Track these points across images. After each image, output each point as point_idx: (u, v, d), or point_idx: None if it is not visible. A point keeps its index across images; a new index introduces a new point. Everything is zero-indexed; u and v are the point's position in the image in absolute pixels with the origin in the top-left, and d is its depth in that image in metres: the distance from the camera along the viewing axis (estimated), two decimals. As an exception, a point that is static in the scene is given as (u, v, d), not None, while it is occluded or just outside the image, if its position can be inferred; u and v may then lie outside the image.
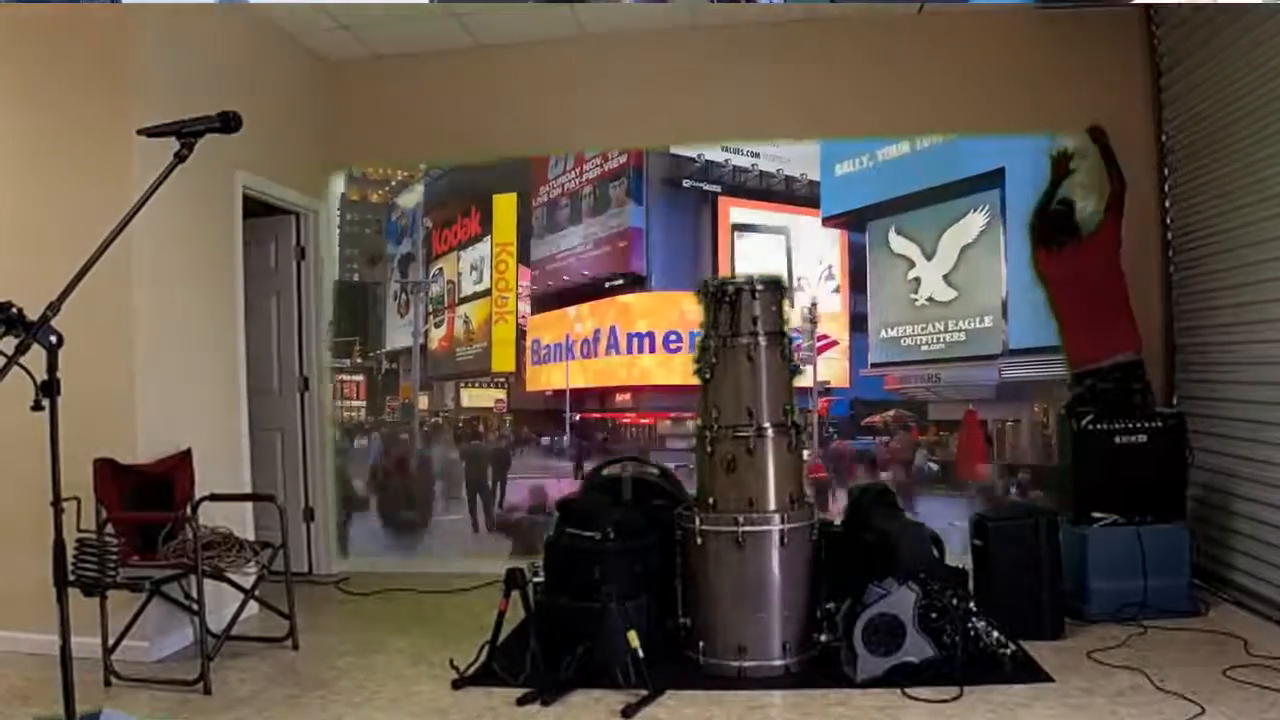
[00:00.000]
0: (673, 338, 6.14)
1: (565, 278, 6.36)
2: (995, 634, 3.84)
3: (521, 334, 6.41)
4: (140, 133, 2.70)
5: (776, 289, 4.25)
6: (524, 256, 6.41)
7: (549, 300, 6.39)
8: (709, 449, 4.11)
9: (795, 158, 6.04)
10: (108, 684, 3.93)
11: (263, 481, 5.66)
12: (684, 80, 6.00)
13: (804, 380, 5.71)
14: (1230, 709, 3.30)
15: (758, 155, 6.11)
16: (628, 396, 6.27)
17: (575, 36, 6.03)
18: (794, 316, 5.76)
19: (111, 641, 4.00)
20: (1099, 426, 4.72)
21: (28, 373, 2.35)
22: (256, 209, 5.65)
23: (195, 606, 4.06)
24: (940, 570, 4.13)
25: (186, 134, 2.60)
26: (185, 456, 4.52)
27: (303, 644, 4.53)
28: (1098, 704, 3.44)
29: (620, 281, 6.25)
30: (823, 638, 3.98)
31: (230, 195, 5.22)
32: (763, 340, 4.10)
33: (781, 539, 3.96)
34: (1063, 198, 5.35)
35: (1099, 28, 5.60)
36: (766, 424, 4.06)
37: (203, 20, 4.98)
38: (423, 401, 6.51)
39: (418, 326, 6.56)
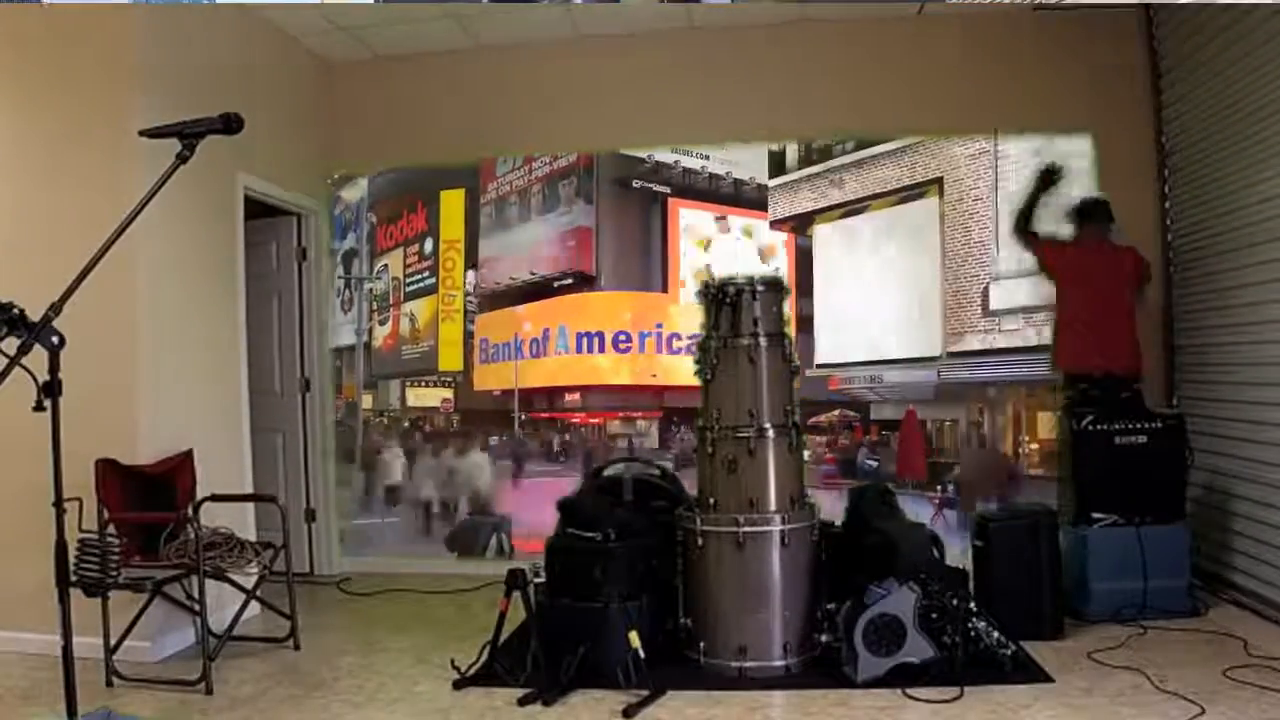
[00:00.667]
0: (622, 338, 6.15)
1: (514, 276, 6.34)
2: (995, 634, 3.85)
3: (469, 333, 6.40)
4: (142, 134, 2.71)
5: (777, 290, 4.25)
6: (472, 254, 6.39)
7: (497, 299, 6.38)
8: (710, 449, 4.11)
9: (744, 161, 6.08)
10: (109, 684, 3.93)
11: (264, 482, 5.66)
12: (687, 81, 6.00)
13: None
14: (1230, 709, 3.30)
15: (707, 157, 6.13)
16: (576, 396, 6.28)
17: (576, 38, 6.03)
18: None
19: (113, 642, 4.01)
20: (1099, 427, 4.72)
21: (30, 374, 2.35)
22: (258, 210, 5.65)
23: (197, 607, 4.06)
24: (940, 571, 4.14)
25: (188, 135, 2.61)
26: (187, 457, 4.53)
27: (304, 644, 4.54)
28: (1098, 704, 3.44)
29: (569, 281, 6.25)
30: (823, 638, 3.99)
31: (231, 196, 5.22)
32: (763, 341, 4.11)
33: (782, 539, 3.96)
34: (1099, 199, 5.20)
35: (1099, 29, 5.61)
36: (767, 424, 4.07)
37: (204, 22, 4.99)
38: (366, 400, 6.48)
39: (361, 324, 6.51)
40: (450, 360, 6.42)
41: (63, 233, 4.19)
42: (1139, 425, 4.71)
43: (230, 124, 2.66)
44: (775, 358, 4.14)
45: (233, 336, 5.24)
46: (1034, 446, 5.72)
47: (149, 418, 4.47)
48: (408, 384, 6.49)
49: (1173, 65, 5.40)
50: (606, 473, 4.82)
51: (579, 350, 6.19)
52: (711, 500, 4.09)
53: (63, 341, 2.44)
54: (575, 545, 4.12)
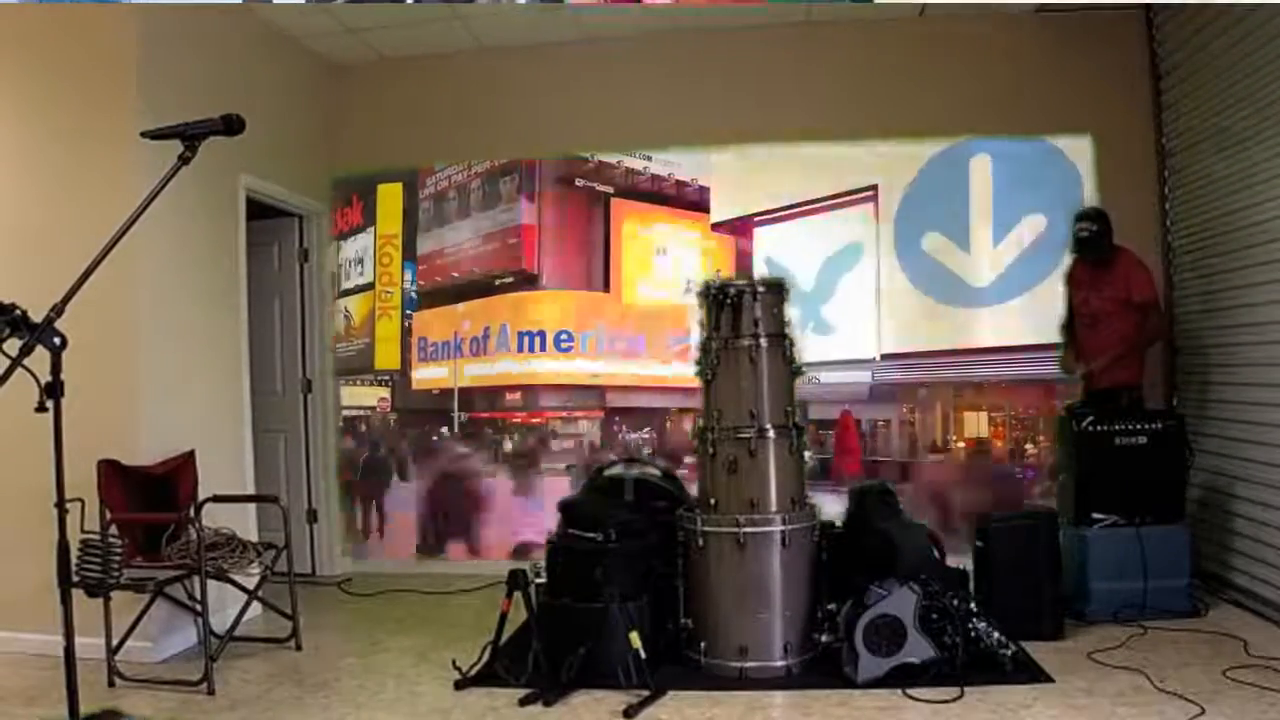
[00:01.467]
0: (564, 337, 6.16)
1: (453, 274, 6.32)
2: (996, 635, 3.85)
3: (407, 330, 6.38)
4: (144, 135, 2.72)
5: (778, 291, 4.26)
6: (410, 250, 6.38)
7: (436, 296, 6.35)
8: (711, 450, 4.12)
9: (686, 163, 6.10)
10: (112, 684, 3.94)
11: (266, 483, 5.66)
12: (689, 82, 6.00)
13: (694, 381, 5.88)
14: (1230, 709, 3.31)
15: (650, 158, 6.14)
16: (518, 396, 6.26)
17: (577, 40, 6.03)
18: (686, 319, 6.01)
19: (115, 642, 4.02)
20: (1099, 427, 4.72)
21: (32, 374, 2.36)
22: (259, 211, 5.66)
23: (198, 607, 4.07)
24: (941, 571, 4.15)
25: (190, 136, 2.62)
26: (188, 458, 4.54)
27: (306, 645, 4.55)
28: (1098, 704, 3.44)
29: (510, 279, 6.24)
30: (824, 638, 3.99)
31: (233, 198, 5.23)
32: (764, 342, 4.12)
33: (783, 540, 3.97)
34: (1092, 211, 5.11)
35: (1099, 30, 5.61)
36: (768, 425, 4.07)
37: (206, 22, 4.99)
38: None
39: None
40: (387, 358, 6.39)
41: (65, 234, 4.20)
42: (1139, 426, 4.71)
43: (232, 125, 2.67)
44: (776, 359, 4.15)
45: (234, 337, 5.25)
46: (960, 445, 5.85)
47: (151, 418, 4.48)
48: (343, 382, 6.42)
49: (1173, 66, 5.41)
50: (607, 473, 4.82)
51: (520, 349, 6.18)
52: (712, 501, 4.09)
53: (65, 343, 2.45)
54: (576, 546, 4.13)
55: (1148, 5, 5.54)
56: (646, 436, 6.08)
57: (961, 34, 5.74)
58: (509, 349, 6.20)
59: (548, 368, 6.19)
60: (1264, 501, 4.48)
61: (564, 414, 6.21)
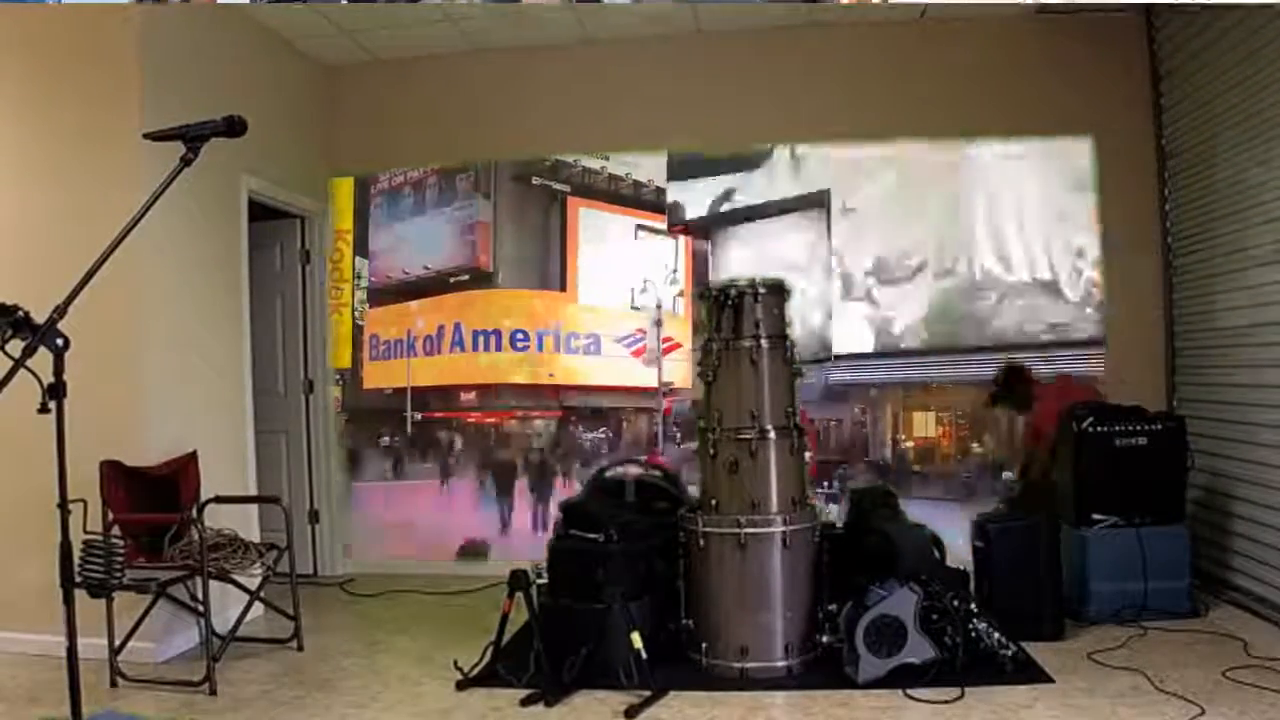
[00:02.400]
0: (519, 335, 6.15)
1: (407, 271, 6.31)
2: (996, 635, 3.86)
3: (359, 328, 6.36)
4: (146, 137, 2.72)
5: (779, 293, 4.26)
6: (362, 246, 6.36)
7: (389, 294, 6.34)
8: (711, 451, 4.13)
9: (644, 164, 6.11)
10: (114, 684, 3.95)
11: (267, 483, 5.67)
12: (689, 83, 6.01)
13: (650, 380, 5.96)
14: (1230, 710, 3.31)
15: (607, 158, 6.14)
16: (472, 395, 6.24)
17: (574, 40, 6.04)
18: (642, 319, 6.06)
19: (118, 642, 4.02)
20: (1099, 429, 4.73)
21: (35, 375, 2.36)
22: (261, 213, 5.67)
23: (201, 608, 4.08)
24: (941, 572, 4.15)
25: (192, 138, 2.61)
26: (191, 458, 4.55)
27: (308, 645, 4.55)
28: (1098, 705, 3.45)
29: (466, 277, 6.23)
30: (825, 639, 3.99)
31: (235, 199, 5.24)
32: (765, 343, 4.12)
33: (784, 541, 3.97)
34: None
35: (1099, 31, 5.62)
36: (769, 426, 4.08)
37: (206, 25, 5.01)
38: None
39: None
40: (337, 357, 6.36)
41: (67, 236, 4.21)
42: (1139, 427, 4.72)
43: (233, 126, 2.66)
44: (776, 360, 4.16)
45: (236, 338, 5.26)
46: (910, 444, 5.90)
47: (153, 419, 4.49)
48: None
49: (1173, 66, 5.41)
50: (608, 474, 4.83)
51: (475, 348, 6.15)
52: (713, 502, 4.10)
53: (67, 344, 2.45)
54: (577, 546, 4.14)
55: (1148, 6, 5.54)
56: (602, 436, 6.09)
57: (961, 34, 5.74)
58: (463, 348, 6.18)
59: (503, 366, 6.19)
60: (1264, 502, 4.48)
61: (519, 414, 6.21)
